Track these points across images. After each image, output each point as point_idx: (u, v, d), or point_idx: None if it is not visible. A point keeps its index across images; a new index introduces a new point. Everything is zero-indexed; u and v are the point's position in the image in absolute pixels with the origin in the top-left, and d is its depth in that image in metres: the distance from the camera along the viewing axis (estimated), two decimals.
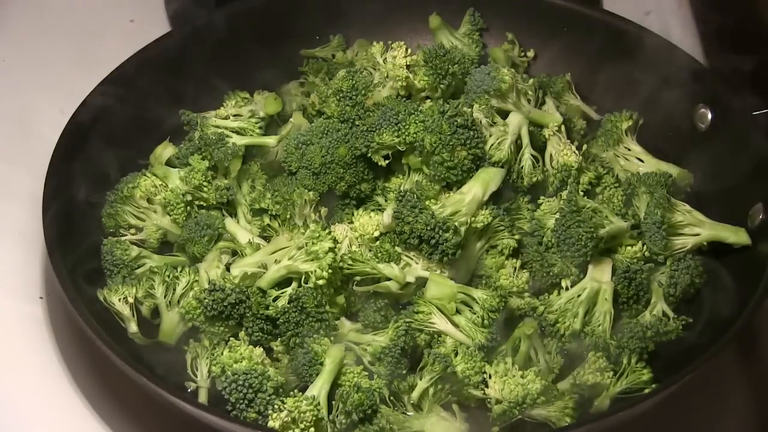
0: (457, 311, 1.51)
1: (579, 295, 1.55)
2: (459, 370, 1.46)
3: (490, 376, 1.47)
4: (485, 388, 1.47)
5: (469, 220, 1.55)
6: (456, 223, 1.53)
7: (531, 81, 1.75)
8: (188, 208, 1.65)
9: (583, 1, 1.91)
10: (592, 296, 1.55)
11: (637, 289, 1.55)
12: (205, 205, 1.67)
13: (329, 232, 1.53)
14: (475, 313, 1.50)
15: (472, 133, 1.59)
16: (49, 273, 1.63)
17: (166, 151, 1.72)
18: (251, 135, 1.73)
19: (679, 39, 1.94)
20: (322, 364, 1.46)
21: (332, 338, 1.49)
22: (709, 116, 1.71)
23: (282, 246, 1.56)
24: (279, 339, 1.52)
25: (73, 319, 1.50)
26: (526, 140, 1.66)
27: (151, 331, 1.58)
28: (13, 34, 2.00)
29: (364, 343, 1.50)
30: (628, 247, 1.60)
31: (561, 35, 1.88)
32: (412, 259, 1.55)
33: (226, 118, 1.76)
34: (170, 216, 1.65)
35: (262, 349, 1.49)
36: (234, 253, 1.62)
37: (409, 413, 1.45)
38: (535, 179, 1.66)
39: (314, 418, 1.41)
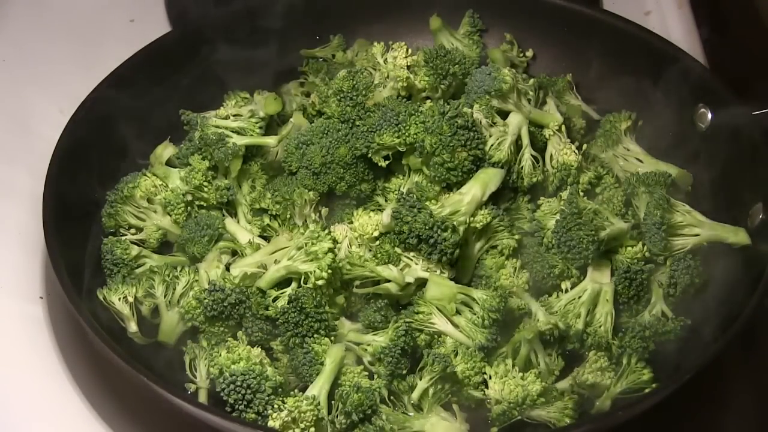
0: (457, 312, 1.51)
1: (580, 297, 1.55)
2: (459, 371, 1.46)
3: (490, 377, 1.47)
4: (485, 389, 1.47)
5: (468, 220, 1.55)
6: (455, 223, 1.53)
7: (531, 81, 1.75)
8: (188, 208, 1.65)
9: (583, 1, 1.91)
10: (594, 297, 1.55)
11: (637, 290, 1.55)
12: (205, 205, 1.67)
13: (329, 232, 1.53)
14: (475, 314, 1.50)
15: (472, 134, 1.58)
16: (49, 273, 1.63)
17: (166, 151, 1.72)
18: (251, 135, 1.73)
19: (679, 39, 1.94)
20: (322, 363, 1.46)
21: (332, 338, 1.49)
22: (709, 116, 1.71)
23: (282, 246, 1.56)
24: (278, 339, 1.52)
25: (73, 319, 1.50)
26: (526, 140, 1.65)
27: (151, 331, 1.58)
28: (13, 33, 2.00)
29: (364, 343, 1.50)
30: (629, 248, 1.60)
31: (561, 35, 1.88)
32: (411, 259, 1.55)
33: (226, 118, 1.75)
34: (170, 216, 1.65)
35: (260, 349, 1.49)
36: (234, 253, 1.62)
37: (409, 413, 1.45)
38: (535, 179, 1.66)
39: (314, 418, 1.41)
